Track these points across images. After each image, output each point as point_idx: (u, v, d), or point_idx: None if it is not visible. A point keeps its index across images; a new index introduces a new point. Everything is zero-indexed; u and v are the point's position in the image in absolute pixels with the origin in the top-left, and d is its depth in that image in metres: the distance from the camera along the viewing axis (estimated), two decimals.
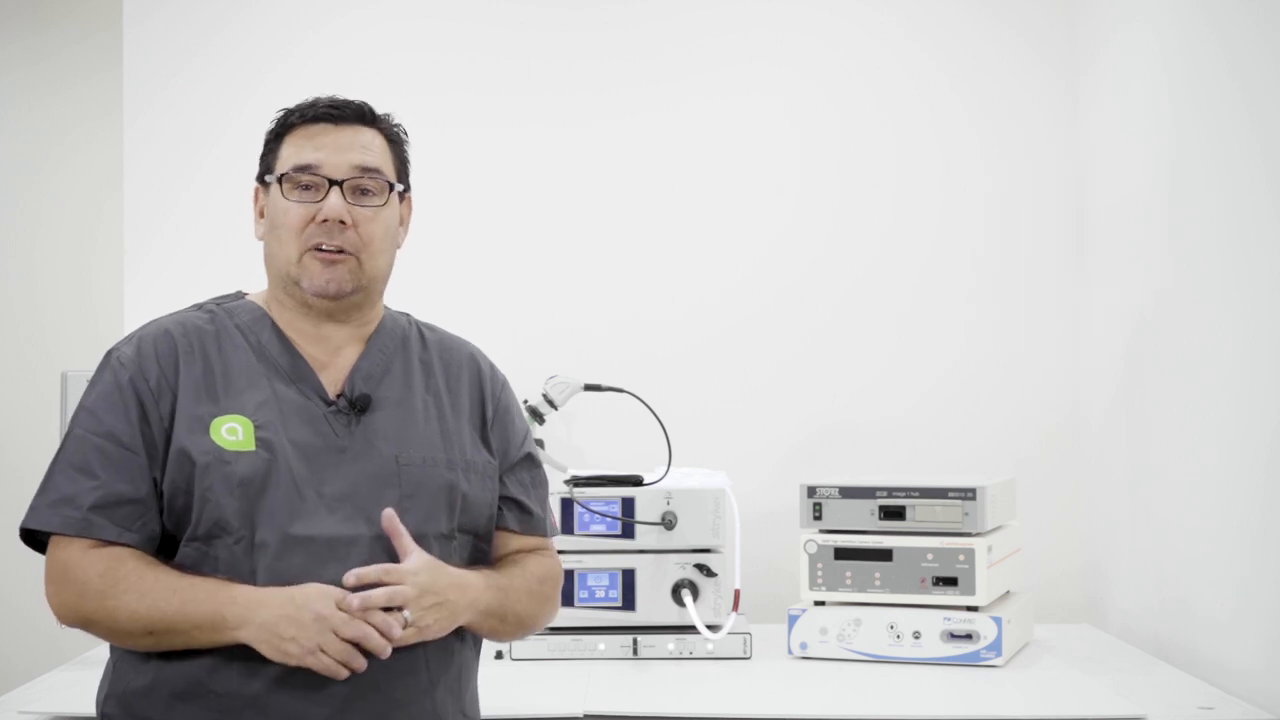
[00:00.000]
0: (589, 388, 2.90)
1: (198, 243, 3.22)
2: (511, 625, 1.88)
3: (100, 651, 2.67)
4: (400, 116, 2.04)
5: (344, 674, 1.67)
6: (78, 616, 1.74)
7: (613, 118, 3.24)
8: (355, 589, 1.69)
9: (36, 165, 4.47)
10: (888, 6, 3.24)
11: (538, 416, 2.91)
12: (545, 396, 2.91)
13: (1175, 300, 2.63)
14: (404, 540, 1.75)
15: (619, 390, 2.86)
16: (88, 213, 4.36)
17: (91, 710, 2.22)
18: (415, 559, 1.74)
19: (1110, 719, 2.20)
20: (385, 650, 1.68)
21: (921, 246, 3.21)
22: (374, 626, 1.67)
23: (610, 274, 3.22)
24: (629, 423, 2.86)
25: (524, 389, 2.85)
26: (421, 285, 3.10)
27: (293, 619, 1.65)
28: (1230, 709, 2.21)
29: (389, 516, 1.75)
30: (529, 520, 1.94)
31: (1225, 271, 2.41)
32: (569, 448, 3.13)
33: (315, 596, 1.67)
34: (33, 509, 1.76)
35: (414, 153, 3.31)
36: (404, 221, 1.95)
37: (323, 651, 1.66)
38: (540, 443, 2.90)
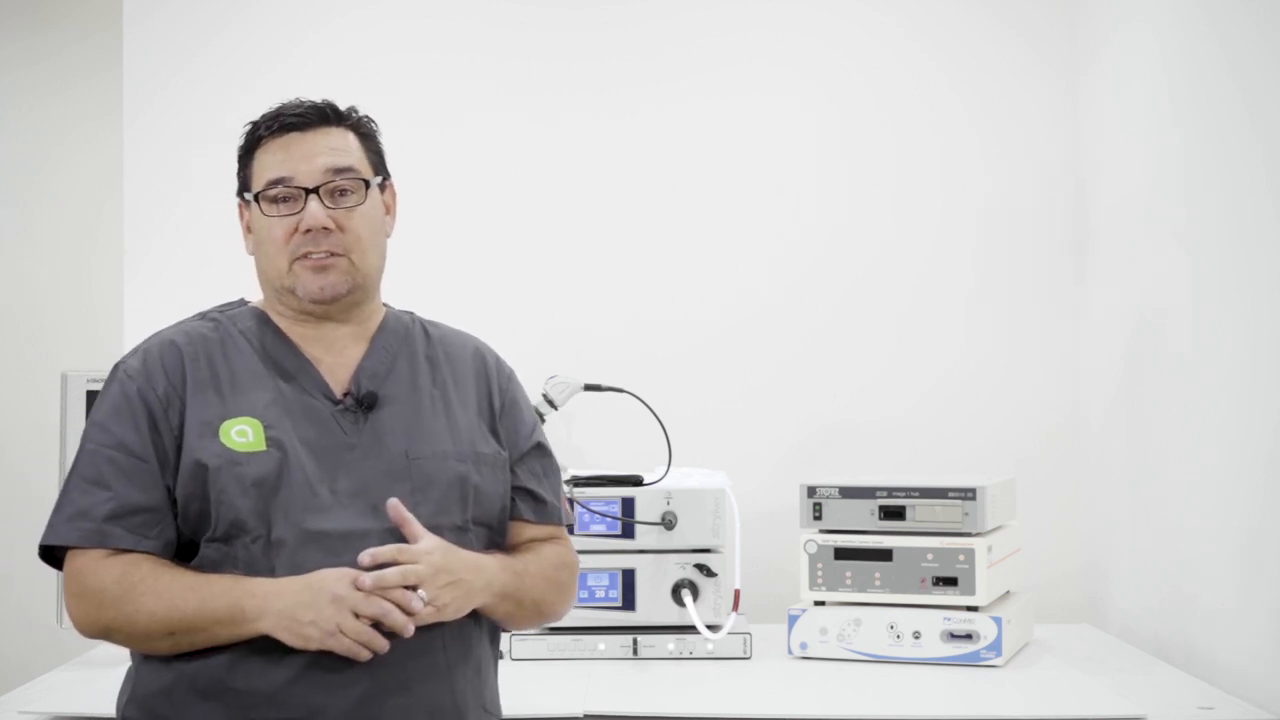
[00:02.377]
0: (589, 388, 2.90)
1: (198, 243, 3.22)
2: (528, 610, 1.88)
3: (100, 652, 2.66)
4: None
5: (366, 655, 1.68)
6: (98, 627, 1.75)
7: (613, 118, 3.24)
8: (370, 568, 1.69)
9: (36, 165, 4.47)
10: (887, 6, 3.24)
11: (538, 417, 2.91)
12: (545, 396, 2.91)
13: (1175, 300, 2.62)
14: (413, 526, 1.75)
15: (619, 390, 2.86)
16: (88, 213, 4.36)
17: (92, 710, 2.24)
18: (427, 540, 1.74)
19: (1110, 719, 2.20)
20: (408, 628, 1.68)
21: (921, 246, 3.21)
22: (393, 603, 1.68)
23: (610, 274, 3.22)
24: (629, 423, 2.86)
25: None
26: (422, 285, 3.10)
27: (309, 603, 1.66)
28: (1230, 709, 2.21)
29: (394, 506, 1.75)
30: (543, 509, 1.95)
31: (1225, 271, 2.41)
32: (569, 448, 3.13)
33: (331, 579, 1.68)
34: (50, 526, 1.77)
35: (413, 152, 3.31)
36: (390, 210, 1.95)
37: (342, 633, 1.66)
38: None
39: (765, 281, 3.21)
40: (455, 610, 1.75)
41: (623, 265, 3.22)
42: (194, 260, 3.20)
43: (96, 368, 2.66)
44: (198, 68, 3.24)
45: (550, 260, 3.22)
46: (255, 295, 1.96)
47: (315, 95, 1.93)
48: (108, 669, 2.52)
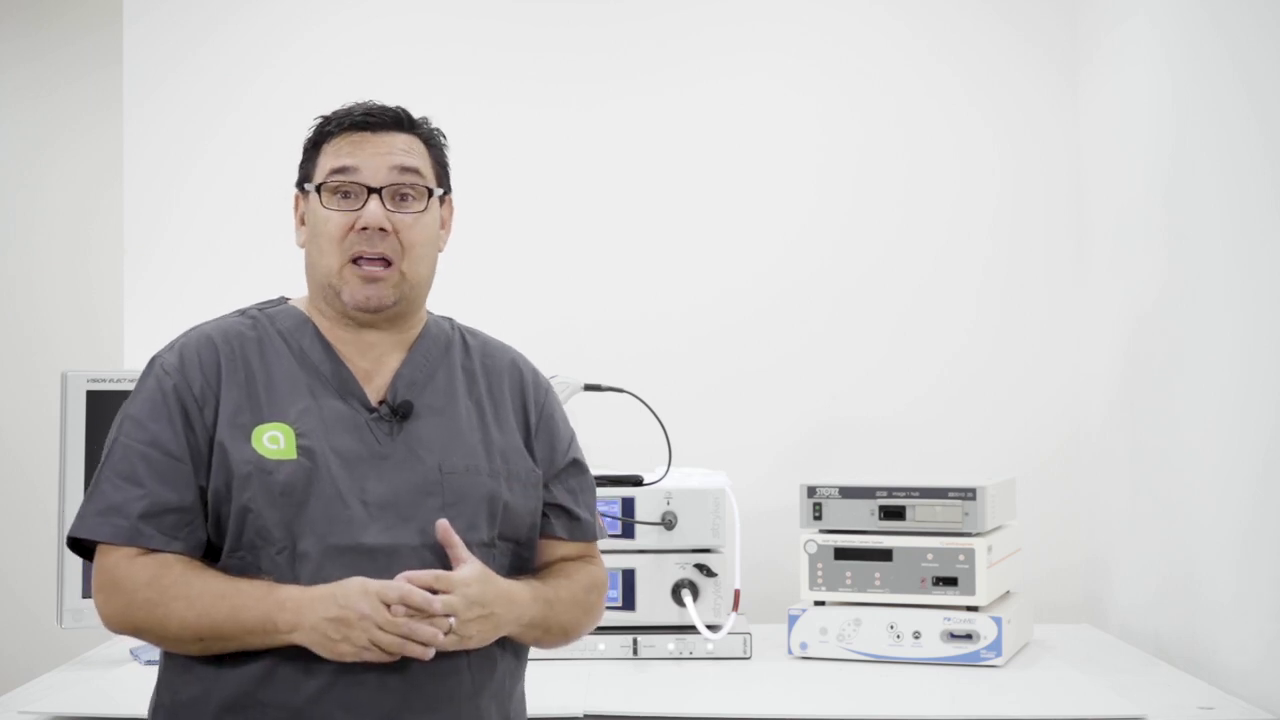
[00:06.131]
0: (589, 388, 2.89)
1: (198, 240, 3.22)
2: (555, 635, 1.88)
3: (100, 652, 2.67)
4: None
5: (411, 651, 1.66)
6: (128, 625, 1.73)
7: (612, 117, 3.24)
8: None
9: (36, 163, 4.47)
10: (895, 5, 3.24)
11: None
12: None
13: (1176, 298, 2.62)
14: (459, 550, 1.74)
15: (619, 390, 2.86)
16: (88, 211, 4.36)
17: (92, 710, 2.25)
18: (468, 569, 1.73)
19: (1110, 719, 2.20)
20: (427, 653, 1.67)
21: (921, 246, 3.21)
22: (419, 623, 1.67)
23: (611, 273, 3.22)
24: (629, 423, 2.85)
25: None
26: None
27: (339, 620, 1.65)
28: (1230, 709, 2.21)
29: (444, 527, 1.74)
30: (577, 526, 1.94)
31: (1227, 268, 2.40)
32: None
33: (357, 596, 1.65)
34: (80, 517, 1.75)
35: None
36: (445, 224, 1.92)
37: (375, 646, 1.65)
38: None
39: (766, 281, 3.21)
40: (479, 641, 1.74)
41: (622, 264, 3.22)
42: (194, 259, 3.20)
43: (96, 368, 2.66)
44: (198, 63, 3.24)
45: (550, 259, 3.22)
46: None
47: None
48: (108, 669, 2.52)
